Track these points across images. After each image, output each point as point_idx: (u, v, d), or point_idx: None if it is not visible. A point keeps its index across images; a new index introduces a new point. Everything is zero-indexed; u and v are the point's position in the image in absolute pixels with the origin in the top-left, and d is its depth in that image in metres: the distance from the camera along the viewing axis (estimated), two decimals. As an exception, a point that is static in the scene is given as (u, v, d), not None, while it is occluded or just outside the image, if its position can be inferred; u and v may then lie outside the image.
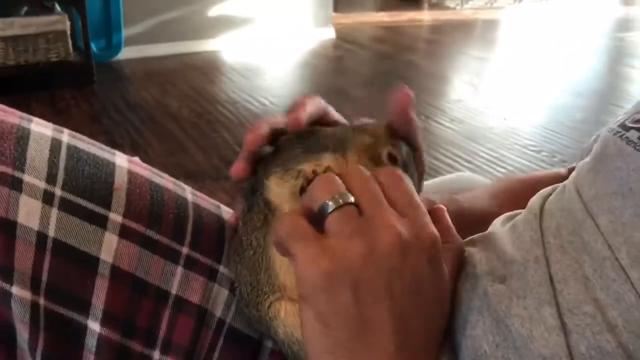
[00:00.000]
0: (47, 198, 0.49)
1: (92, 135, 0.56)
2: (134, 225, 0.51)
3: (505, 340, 0.43)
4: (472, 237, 0.54)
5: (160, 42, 4.03)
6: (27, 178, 0.48)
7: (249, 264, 0.51)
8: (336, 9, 4.91)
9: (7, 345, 0.50)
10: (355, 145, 0.49)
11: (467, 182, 0.99)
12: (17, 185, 0.48)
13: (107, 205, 0.51)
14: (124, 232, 0.51)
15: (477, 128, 2.89)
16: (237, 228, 0.53)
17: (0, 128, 0.50)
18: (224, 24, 4.24)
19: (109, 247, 0.50)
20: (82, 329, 0.50)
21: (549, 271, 0.44)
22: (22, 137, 0.50)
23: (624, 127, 0.48)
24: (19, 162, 0.49)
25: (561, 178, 0.58)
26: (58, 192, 0.49)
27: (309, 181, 0.46)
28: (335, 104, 0.55)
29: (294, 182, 0.47)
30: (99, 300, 0.50)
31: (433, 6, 6.34)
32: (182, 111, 3.02)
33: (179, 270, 0.53)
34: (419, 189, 0.52)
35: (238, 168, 0.51)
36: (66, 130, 0.55)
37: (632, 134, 0.46)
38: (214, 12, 4.21)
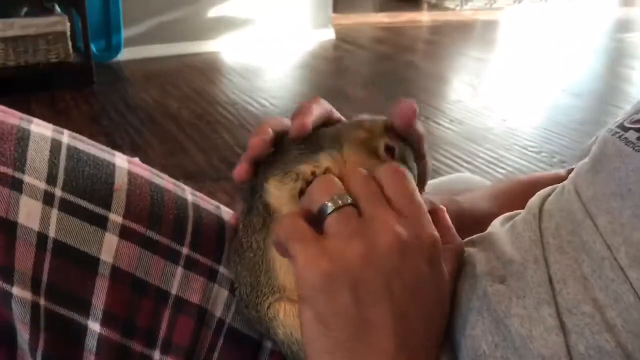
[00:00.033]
0: (48, 199, 0.49)
1: (91, 136, 0.56)
2: (134, 225, 0.52)
3: (504, 340, 0.43)
4: (471, 237, 0.54)
5: (160, 43, 4.03)
6: (27, 179, 0.49)
7: (248, 266, 0.51)
8: (336, 9, 4.91)
9: (7, 346, 0.50)
10: (351, 140, 0.49)
11: (466, 183, 0.99)
12: (17, 185, 0.48)
13: (107, 206, 0.51)
14: (124, 233, 0.51)
15: (477, 129, 2.89)
16: (237, 230, 0.53)
17: (0, 129, 0.50)
18: (224, 25, 4.24)
19: (109, 248, 0.50)
20: (83, 330, 0.51)
21: (548, 271, 0.44)
22: (23, 138, 0.50)
23: (622, 127, 0.48)
24: (19, 162, 0.49)
25: (560, 179, 0.58)
26: (58, 192, 0.49)
27: (308, 183, 0.46)
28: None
29: (292, 184, 0.47)
30: (99, 300, 0.50)
31: (432, 7, 6.34)
32: (181, 112, 3.02)
33: (179, 270, 0.54)
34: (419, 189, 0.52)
35: (241, 170, 0.51)
36: (66, 131, 0.55)
37: (631, 135, 0.46)
38: (213, 13, 4.21)
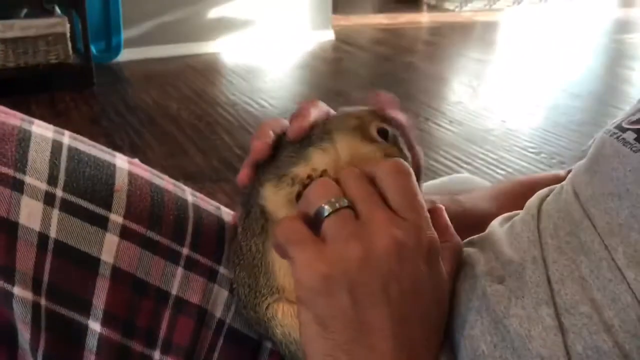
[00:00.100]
0: (49, 199, 0.49)
1: (91, 137, 0.56)
2: (134, 226, 0.52)
3: (503, 340, 0.43)
4: (471, 238, 0.54)
5: (160, 44, 4.03)
6: (28, 179, 0.49)
7: (247, 268, 0.51)
8: (335, 11, 4.91)
9: (8, 346, 0.51)
10: (341, 129, 0.49)
11: (465, 184, 0.99)
12: (18, 186, 0.48)
13: (108, 207, 0.51)
14: (125, 233, 0.51)
15: (476, 130, 2.89)
16: (236, 233, 0.53)
17: (1, 130, 0.50)
18: (224, 26, 4.24)
19: (109, 248, 0.51)
20: (83, 329, 0.51)
21: (547, 272, 0.44)
22: (24, 139, 0.50)
23: (620, 128, 0.48)
24: (21, 163, 0.49)
25: (560, 179, 0.58)
26: (59, 193, 0.49)
27: (304, 186, 0.46)
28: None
29: (289, 189, 0.47)
30: (99, 300, 0.51)
31: (432, 8, 6.34)
32: (181, 113, 3.02)
33: (179, 271, 0.54)
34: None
35: (243, 175, 0.51)
36: (67, 132, 0.55)
37: (629, 135, 0.46)
38: (213, 14, 4.21)
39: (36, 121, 0.54)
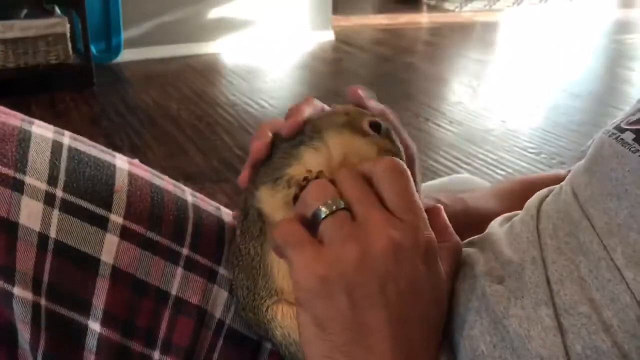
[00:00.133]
0: (49, 199, 0.49)
1: (91, 137, 0.56)
2: (134, 226, 0.52)
3: (502, 340, 0.44)
4: (470, 238, 0.54)
5: (160, 45, 4.03)
6: (28, 180, 0.49)
7: (246, 270, 0.51)
8: (335, 11, 4.91)
9: (8, 346, 0.51)
10: (331, 126, 0.49)
11: (465, 184, 0.99)
12: (18, 186, 0.48)
13: (108, 207, 0.51)
14: (125, 234, 0.51)
15: (476, 130, 2.89)
16: (235, 237, 0.53)
17: (2, 130, 0.50)
18: (224, 26, 4.24)
19: (109, 249, 0.51)
20: (83, 329, 0.51)
21: (546, 272, 0.45)
22: (24, 140, 0.50)
23: (619, 129, 0.48)
24: (21, 164, 0.49)
25: (561, 179, 0.59)
26: (59, 193, 0.50)
27: (301, 188, 0.46)
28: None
29: (286, 191, 0.47)
30: (99, 300, 0.51)
31: (432, 8, 6.34)
32: (181, 113, 3.02)
33: (179, 271, 0.54)
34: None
35: (244, 176, 0.51)
36: (67, 133, 0.55)
37: (627, 136, 0.46)
38: (213, 14, 4.21)
39: (36, 121, 0.54)
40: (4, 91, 3.00)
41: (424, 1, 6.45)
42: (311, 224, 0.43)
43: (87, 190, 0.51)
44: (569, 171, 0.56)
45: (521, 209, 0.54)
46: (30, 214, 0.48)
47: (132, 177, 0.54)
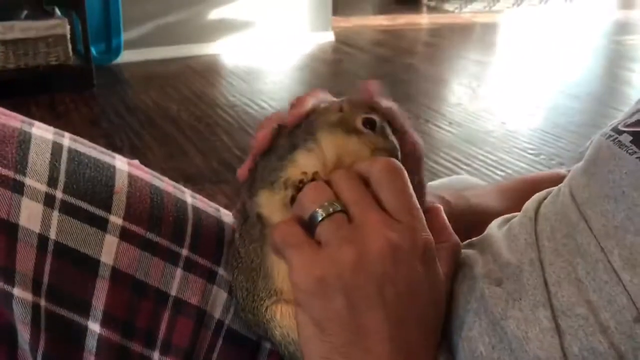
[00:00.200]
0: (49, 201, 0.49)
1: (91, 138, 0.57)
2: (134, 227, 0.52)
3: (501, 342, 0.44)
4: (470, 240, 0.54)
5: (160, 46, 4.03)
6: (28, 181, 0.49)
7: (246, 272, 0.51)
8: (335, 12, 4.91)
9: (8, 346, 0.51)
10: (323, 126, 0.48)
11: (464, 185, 0.99)
12: (18, 188, 0.48)
13: (108, 208, 0.51)
14: (124, 235, 0.51)
15: (476, 131, 2.89)
16: (235, 240, 0.53)
17: (2, 132, 0.50)
18: (224, 27, 4.24)
19: (109, 250, 0.51)
20: (83, 330, 0.51)
21: (544, 274, 0.45)
22: (24, 141, 0.51)
23: (616, 130, 0.48)
24: (21, 165, 0.49)
25: (561, 178, 0.59)
26: (59, 195, 0.50)
27: (298, 189, 0.46)
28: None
29: (283, 193, 0.47)
30: (99, 301, 0.51)
31: (432, 10, 6.34)
32: (181, 114, 3.02)
33: (179, 272, 0.54)
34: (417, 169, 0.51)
35: (245, 167, 0.51)
36: (67, 134, 0.55)
37: (625, 138, 0.46)
38: (213, 15, 4.21)
39: (36, 123, 0.54)
40: (4, 92, 3.00)
41: (424, 2, 6.45)
42: (308, 226, 0.44)
43: (87, 192, 0.51)
44: (570, 170, 0.56)
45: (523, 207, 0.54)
46: (30, 215, 0.48)
47: (131, 178, 0.54)
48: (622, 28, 5.64)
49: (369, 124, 0.48)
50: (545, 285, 0.44)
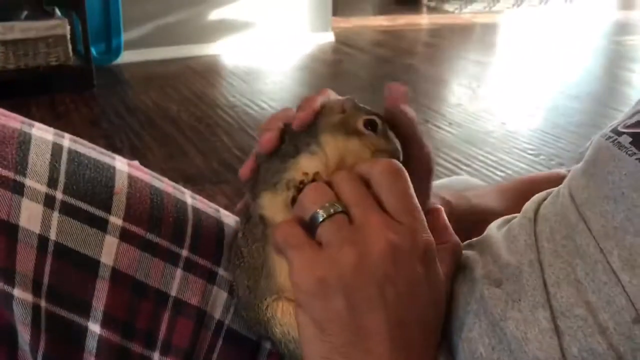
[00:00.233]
0: (49, 202, 0.49)
1: (91, 139, 0.57)
2: (134, 228, 0.52)
3: (500, 343, 0.44)
4: (469, 240, 0.54)
5: (160, 46, 4.03)
6: (28, 182, 0.49)
7: (248, 271, 0.51)
8: (335, 13, 4.91)
9: (8, 347, 0.51)
10: (325, 128, 0.48)
11: (465, 186, 0.99)
12: (18, 189, 0.49)
13: (108, 209, 0.51)
14: (124, 236, 0.52)
15: (476, 132, 2.89)
16: (237, 239, 0.53)
17: (2, 133, 0.50)
18: (224, 28, 4.25)
19: (109, 250, 0.51)
20: (83, 331, 0.51)
21: (543, 275, 0.45)
22: (24, 142, 0.51)
23: (616, 132, 0.48)
24: (21, 166, 0.49)
25: (561, 177, 0.59)
26: (59, 195, 0.50)
27: (299, 190, 0.46)
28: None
29: (285, 194, 0.47)
30: (99, 302, 0.51)
31: (432, 10, 6.34)
32: (181, 115, 3.02)
33: (179, 272, 0.54)
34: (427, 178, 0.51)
35: (247, 167, 0.51)
36: (67, 135, 0.55)
37: (624, 139, 0.46)
38: (213, 16, 4.21)
39: (36, 124, 0.54)
40: (4, 92, 3.00)
41: (424, 3, 6.45)
42: (309, 226, 0.44)
43: (87, 193, 0.51)
44: (570, 170, 0.56)
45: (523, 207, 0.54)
46: (30, 216, 0.49)
47: (131, 179, 0.54)
48: (622, 28, 5.64)
49: (371, 125, 0.48)
50: (545, 286, 0.44)
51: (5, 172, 0.48)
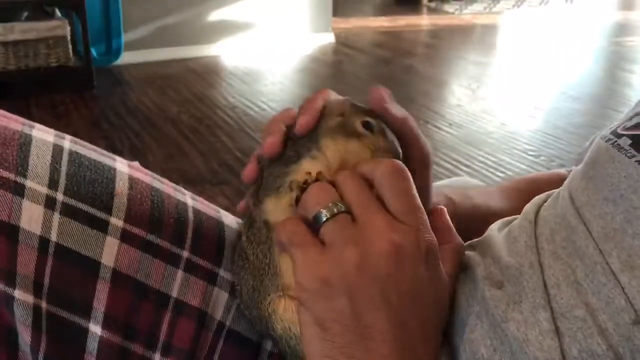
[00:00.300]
0: (49, 203, 0.49)
1: (91, 139, 0.57)
2: (134, 229, 0.52)
3: (502, 344, 0.44)
4: (470, 241, 0.54)
5: (160, 47, 4.03)
6: (29, 183, 0.49)
7: (253, 271, 0.52)
8: (335, 13, 4.91)
9: (9, 348, 0.51)
10: (325, 132, 0.48)
11: (465, 187, 0.99)
12: (19, 190, 0.49)
13: (109, 210, 0.51)
14: (125, 237, 0.52)
15: (476, 132, 2.90)
16: (241, 242, 0.53)
17: (3, 134, 0.50)
18: (224, 28, 4.25)
19: (110, 252, 0.51)
20: (84, 332, 0.51)
21: (543, 276, 0.45)
22: (25, 144, 0.51)
23: (615, 134, 0.48)
24: (22, 167, 0.49)
25: (561, 177, 0.59)
26: (60, 197, 0.50)
27: (302, 190, 0.46)
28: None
29: (289, 195, 0.47)
30: (100, 303, 0.51)
31: (432, 11, 6.34)
32: (181, 116, 3.02)
33: (180, 273, 0.54)
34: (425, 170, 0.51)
35: (249, 170, 0.51)
36: (68, 136, 0.55)
37: (624, 141, 0.46)
38: (213, 17, 4.21)
39: (37, 125, 0.54)
40: (4, 93, 3.01)
41: (424, 3, 6.45)
42: (313, 226, 0.44)
43: (87, 194, 0.51)
44: (570, 170, 0.56)
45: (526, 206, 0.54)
46: (31, 217, 0.49)
47: (132, 180, 0.54)
48: (622, 29, 5.64)
49: (369, 125, 0.48)
50: (545, 287, 0.44)
51: (6, 174, 0.48)
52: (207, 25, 4.20)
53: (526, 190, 0.62)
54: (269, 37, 4.39)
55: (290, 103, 3.20)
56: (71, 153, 0.53)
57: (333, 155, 0.48)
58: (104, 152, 0.57)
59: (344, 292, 0.41)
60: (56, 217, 0.49)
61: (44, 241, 0.49)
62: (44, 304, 0.49)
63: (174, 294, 0.54)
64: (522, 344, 0.43)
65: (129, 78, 3.71)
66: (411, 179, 0.45)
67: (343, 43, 4.69)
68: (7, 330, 0.50)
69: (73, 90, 3.27)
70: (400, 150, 0.49)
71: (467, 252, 0.51)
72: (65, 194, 0.50)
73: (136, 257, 0.52)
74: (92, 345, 0.51)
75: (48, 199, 0.49)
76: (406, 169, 0.45)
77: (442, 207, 0.51)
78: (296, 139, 0.49)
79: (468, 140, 2.79)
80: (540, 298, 0.44)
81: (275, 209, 0.48)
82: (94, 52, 3.53)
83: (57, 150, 0.52)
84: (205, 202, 0.61)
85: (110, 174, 0.53)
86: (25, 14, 3.24)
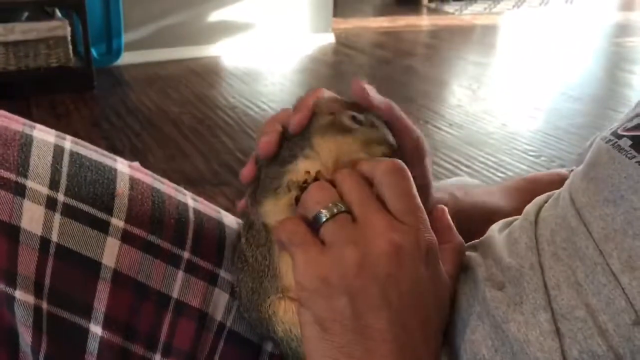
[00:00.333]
0: (50, 204, 0.49)
1: (92, 140, 0.57)
2: (135, 230, 0.52)
3: (503, 345, 0.44)
4: (472, 242, 0.54)
5: (161, 48, 4.03)
6: (30, 184, 0.49)
7: (253, 273, 0.52)
8: (336, 14, 4.91)
9: (10, 349, 0.51)
10: (317, 131, 0.48)
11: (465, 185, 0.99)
12: (20, 191, 0.49)
13: (109, 211, 0.51)
14: (126, 237, 0.52)
15: (476, 133, 2.89)
16: (240, 244, 0.53)
17: (4, 135, 0.50)
18: (224, 29, 4.25)
19: (111, 252, 0.51)
20: (84, 333, 0.51)
21: (544, 277, 0.45)
22: (26, 144, 0.51)
23: (616, 135, 0.48)
24: (23, 168, 0.49)
25: (562, 177, 0.59)
26: (61, 197, 0.50)
27: (302, 189, 0.46)
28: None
29: (288, 195, 0.47)
30: (100, 304, 0.51)
31: (432, 11, 6.34)
32: (182, 116, 3.02)
33: (180, 274, 0.54)
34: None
35: (247, 170, 0.51)
36: (69, 137, 0.55)
37: (624, 142, 0.46)
38: (214, 17, 4.21)
39: (38, 126, 0.54)
40: (4, 93, 3.00)
41: (424, 4, 6.45)
42: (313, 226, 0.44)
43: (88, 195, 0.51)
44: (571, 170, 0.56)
45: (527, 204, 0.54)
46: (32, 218, 0.49)
47: (133, 181, 0.54)
48: (622, 30, 5.64)
49: (357, 120, 0.49)
50: (545, 288, 0.44)
51: (7, 174, 0.49)
52: (207, 26, 4.20)
53: (527, 190, 0.62)
54: (269, 38, 4.39)
55: (291, 103, 3.16)
56: (72, 154, 0.53)
57: (326, 152, 0.48)
58: (105, 152, 0.57)
59: (344, 291, 0.41)
60: (57, 217, 0.49)
61: (44, 242, 0.49)
62: (44, 305, 0.49)
63: (175, 294, 0.54)
64: (523, 344, 0.43)
65: (129, 78, 3.70)
66: (411, 179, 0.45)
67: (343, 43, 4.69)
68: (8, 330, 0.50)
69: (73, 90, 3.27)
70: (393, 140, 0.49)
71: (468, 253, 0.51)
72: (66, 194, 0.50)
73: (137, 258, 0.52)
74: (93, 346, 0.51)
75: (49, 200, 0.49)
76: (406, 168, 0.45)
77: (443, 206, 0.51)
78: (291, 139, 0.49)
79: (468, 140, 2.79)
80: (541, 299, 0.44)
81: (274, 210, 0.48)
82: (94, 52, 3.53)
83: (58, 150, 0.52)
84: (206, 202, 0.61)
85: (111, 175, 0.53)
86: (26, 14, 3.24)
